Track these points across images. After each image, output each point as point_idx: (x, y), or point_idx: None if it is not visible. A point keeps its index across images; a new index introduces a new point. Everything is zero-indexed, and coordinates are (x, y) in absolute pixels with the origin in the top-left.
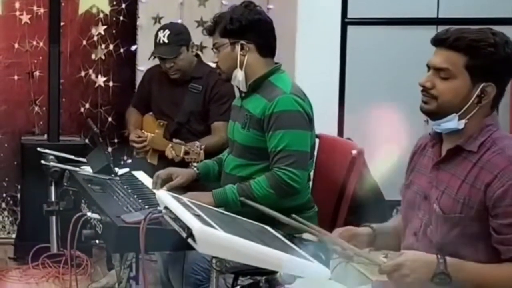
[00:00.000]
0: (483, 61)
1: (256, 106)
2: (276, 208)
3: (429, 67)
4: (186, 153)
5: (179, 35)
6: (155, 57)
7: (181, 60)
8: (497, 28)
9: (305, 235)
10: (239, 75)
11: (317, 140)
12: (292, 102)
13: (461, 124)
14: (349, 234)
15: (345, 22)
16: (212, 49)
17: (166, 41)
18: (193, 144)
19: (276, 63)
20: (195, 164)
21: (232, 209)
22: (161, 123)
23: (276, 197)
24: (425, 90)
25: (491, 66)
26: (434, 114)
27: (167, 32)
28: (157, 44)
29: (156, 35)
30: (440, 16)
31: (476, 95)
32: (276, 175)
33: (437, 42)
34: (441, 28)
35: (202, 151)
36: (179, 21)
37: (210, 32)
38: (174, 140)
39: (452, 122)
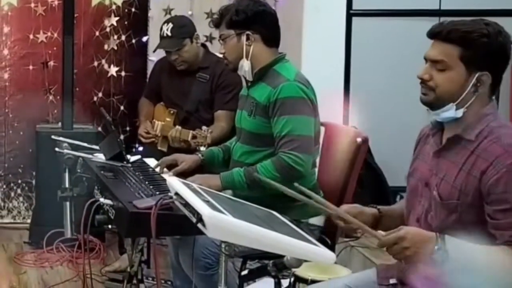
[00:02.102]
0: (477, 52)
1: (262, 93)
2: (277, 192)
3: (426, 59)
4: (194, 137)
5: (182, 28)
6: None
7: (186, 52)
8: (498, 20)
9: (311, 220)
10: (245, 65)
11: (323, 128)
12: (296, 88)
13: (459, 113)
14: (355, 211)
15: (350, 14)
16: (218, 40)
17: (169, 34)
18: (201, 128)
19: (280, 53)
20: (202, 148)
21: (239, 192)
22: (171, 112)
23: (281, 181)
24: (423, 82)
25: (485, 56)
26: (433, 105)
27: (170, 25)
28: (161, 37)
29: (161, 28)
30: (442, 8)
31: (472, 84)
32: (281, 159)
33: (432, 35)
34: (443, 19)
35: (209, 135)
36: (189, 13)
37: (217, 24)
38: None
39: (450, 111)
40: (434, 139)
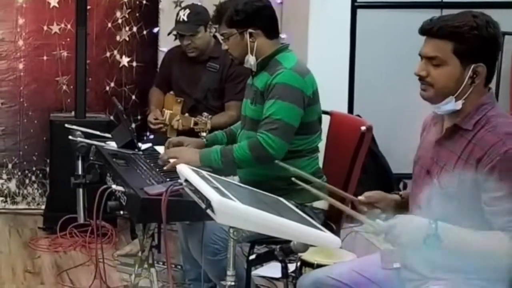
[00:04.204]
0: (469, 45)
1: (261, 81)
2: (282, 176)
3: (421, 56)
4: (195, 123)
5: (198, 15)
6: (175, 36)
7: (199, 39)
8: (501, 12)
9: (315, 204)
10: (251, 60)
11: (328, 117)
12: (289, 76)
13: (458, 105)
14: (378, 196)
15: (355, 6)
16: (222, 40)
17: (185, 19)
18: (201, 115)
19: (282, 43)
20: (203, 134)
21: (215, 169)
22: (178, 100)
23: (252, 159)
24: (421, 79)
25: (477, 48)
26: (433, 100)
27: (187, 11)
28: (177, 22)
29: (177, 14)
30: (445, 0)
31: (469, 77)
32: (256, 138)
33: (424, 32)
34: (446, 11)
35: (209, 121)
36: (199, 5)
37: (216, 21)
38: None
39: (450, 104)
40: (435, 129)
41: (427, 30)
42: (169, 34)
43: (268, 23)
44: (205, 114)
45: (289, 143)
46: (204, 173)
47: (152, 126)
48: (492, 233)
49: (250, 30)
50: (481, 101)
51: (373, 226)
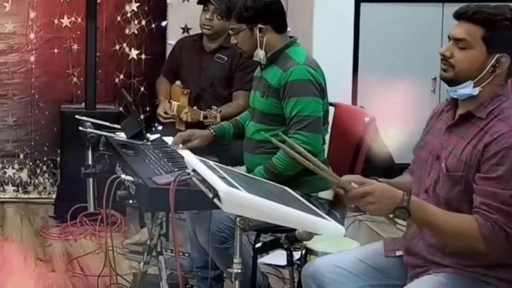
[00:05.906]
0: (499, 34)
1: (273, 76)
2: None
3: (449, 38)
4: (205, 117)
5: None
6: (183, 28)
7: (218, 21)
8: None
9: (320, 194)
10: (260, 54)
11: (332, 108)
12: (305, 72)
13: (475, 91)
14: (357, 181)
15: (359, 0)
16: (232, 34)
17: None
18: (211, 108)
19: (291, 37)
20: (212, 126)
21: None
22: (185, 92)
23: (295, 163)
24: (444, 59)
25: (507, 39)
26: (452, 81)
27: None
28: None
29: None
30: None
31: (491, 65)
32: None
33: (458, 15)
34: (447, 6)
35: (218, 114)
36: None
37: (225, 16)
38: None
39: (468, 89)
40: (447, 115)
41: (461, 14)
42: (198, 2)
43: (277, 18)
44: (214, 107)
45: (321, 134)
46: (211, 163)
47: (161, 120)
48: (463, 216)
49: (259, 26)
50: (497, 92)
51: (349, 190)
